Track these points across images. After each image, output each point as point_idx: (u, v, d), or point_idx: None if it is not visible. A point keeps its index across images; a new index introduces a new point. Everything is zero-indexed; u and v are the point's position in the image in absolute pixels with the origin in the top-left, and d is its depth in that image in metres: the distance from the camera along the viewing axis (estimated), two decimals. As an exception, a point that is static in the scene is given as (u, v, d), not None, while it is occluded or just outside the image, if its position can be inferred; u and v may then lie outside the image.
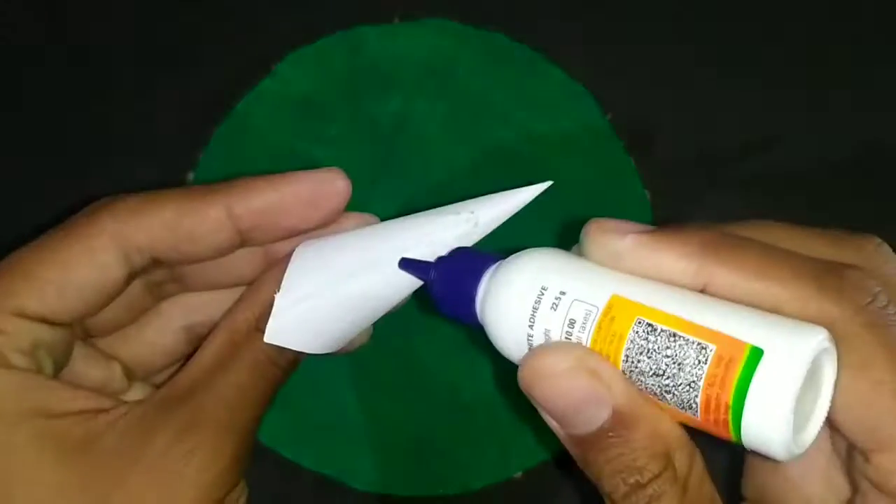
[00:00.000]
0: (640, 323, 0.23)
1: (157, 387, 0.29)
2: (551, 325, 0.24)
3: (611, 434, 0.23)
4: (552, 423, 0.25)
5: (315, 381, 0.40)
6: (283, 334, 0.27)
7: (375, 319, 0.29)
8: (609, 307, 0.23)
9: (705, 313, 0.23)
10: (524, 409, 0.40)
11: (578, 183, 0.42)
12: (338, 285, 0.27)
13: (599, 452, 0.24)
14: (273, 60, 0.43)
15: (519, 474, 0.40)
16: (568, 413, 0.24)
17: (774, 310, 0.23)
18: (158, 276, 0.30)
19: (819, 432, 0.23)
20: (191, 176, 0.42)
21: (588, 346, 0.23)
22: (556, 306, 0.24)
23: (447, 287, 0.27)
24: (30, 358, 0.26)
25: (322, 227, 0.28)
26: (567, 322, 0.24)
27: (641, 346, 0.23)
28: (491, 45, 0.43)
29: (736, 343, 0.22)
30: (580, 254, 0.26)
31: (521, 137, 0.42)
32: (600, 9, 0.44)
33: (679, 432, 0.24)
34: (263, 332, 0.27)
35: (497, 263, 0.26)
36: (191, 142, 0.42)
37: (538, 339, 0.24)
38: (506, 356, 0.26)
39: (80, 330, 0.29)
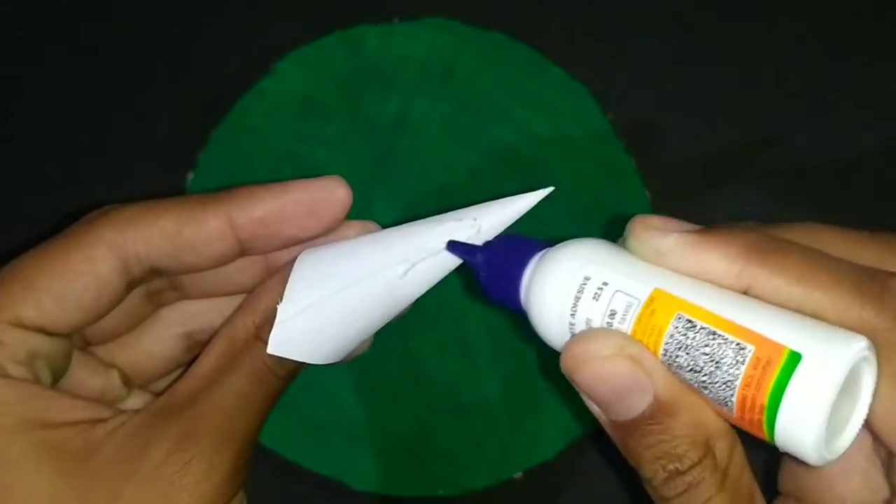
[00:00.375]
0: (679, 318, 0.23)
1: (157, 395, 0.29)
2: (593, 315, 0.24)
3: (651, 421, 0.24)
4: (594, 409, 0.25)
5: (315, 381, 0.40)
6: (286, 345, 0.27)
7: (378, 328, 0.29)
8: (651, 300, 0.24)
9: (746, 314, 0.23)
10: (523, 409, 0.40)
11: (578, 183, 0.42)
12: (340, 294, 0.27)
13: (640, 438, 0.24)
14: (273, 60, 0.43)
15: (518, 474, 0.40)
16: (610, 399, 0.24)
17: (815, 315, 0.23)
18: (157, 284, 0.29)
19: (855, 438, 0.23)
20: (191, 176, 0.42)
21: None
22: (599, 296, 0.24)
23: (493, 272, 0.27)
24: (27, 368, 0.26)
25: (323, 235, 0.28)
26: (608, 312, 0.24)
27: (680, 341, 0.23)
28: (491, 45, 0.43)
29: (775, 346, 0.22)
30: (625, 248, 0.26)
31: (521, 137, 0.42)
32: (600, 9, 0.44)
33: (720, 422, 0.24)
34: (264, 340, 0.26)
35: (544, 251, 0.26)
36: (191, 142, 0.42)
37: (580, 328, 0.25)
38: (548, 343, 0.26)
39: (78, 338, 0.29)
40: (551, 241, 0.26)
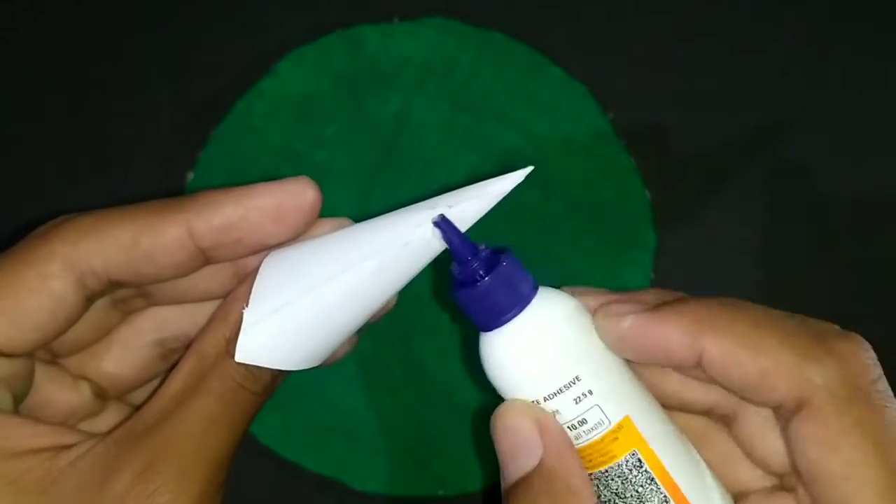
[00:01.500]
0: (633, 454, 0.26)
1: (137, 407, 0.28)
2: (565, 412, 0.26)
3: (533, 484, 0.25)
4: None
5: (315, 381, 0.40)
6: (255, 352, 0.25)
7: (357, 327, 0.27)
8: (619, 427, 0.26)
9: (688, 478, 0.26)
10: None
11: (578, 183, 0.42)
12: (310, 294, 0.25)
13: (516, 500, 0.26)
14: (273, 60, 0.43)
15: (519, 474, 0.40)
16: (506, 452, 0.27)
17: (762, 376, 0.24)
18: (123, 292, 0.28)
19: None
20: (191, 175, 0.42)
21: (582, 445, 0.26)
22: (580, 402, 0.26)
23: (485, 294, 0.26)
24: None
25: (292, 239, 0.26)
26: (580, 420, 0.26)
27: (623, 472, 0.26)
28: (491, 45, 0.43)
29: None
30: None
31: (521, 137, 0.42)
32: (600, 9, 0.44)
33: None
34: (233, 355, 0.25)
35: (536, 300, 0.27)
36: (191, 142, 0.42)
37: (542, 405, 0.26)
38: (492, 379, 0.27)
39: (45, 352, 0.27)
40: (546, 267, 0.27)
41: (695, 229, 0.43)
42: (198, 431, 0.24)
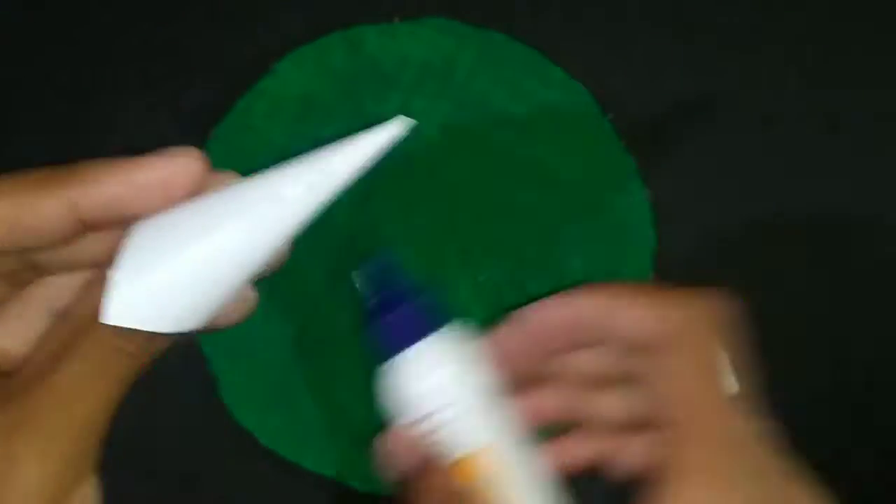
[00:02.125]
0: (477, 480, 0.31)
1: None
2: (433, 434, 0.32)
3: None
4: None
5: (315, 381, 0.40)
6: (124, 314, 0.24)
7: (239, 285, 0.26)
8: (473, 457, 0.31)
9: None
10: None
11: (578, 183, 0.42)
12: (180, 252, 0.24)
13: None
14: (273, 60, 0.43)
15: (519, 474, 0.40)
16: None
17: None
18: (9, 264, 0.26)
19: None
20: (191, 176, 0.42)
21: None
22: (440, 429, 0.32)
23: (390, 329, 0.32)
24: None
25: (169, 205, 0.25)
26: (435, 443, 0.32)
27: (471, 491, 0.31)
28: (491, 45, 0.43)
29: None
30: None
31: (520, 137, 0.42)
32: (600, 9, 0.44)
33: None
34: None
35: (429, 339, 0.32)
36: (191, 141, 0.42)
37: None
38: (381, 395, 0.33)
39: None
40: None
41: (695, 229, 0.43)
42: (65, 391, 0.24)
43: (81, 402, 0.24)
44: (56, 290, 0.28)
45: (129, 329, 0.24)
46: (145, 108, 0.43)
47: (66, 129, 0.43)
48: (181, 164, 0.25)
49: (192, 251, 0.24)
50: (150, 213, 0.25)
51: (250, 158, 0.42)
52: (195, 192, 0.25)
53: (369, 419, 0.41)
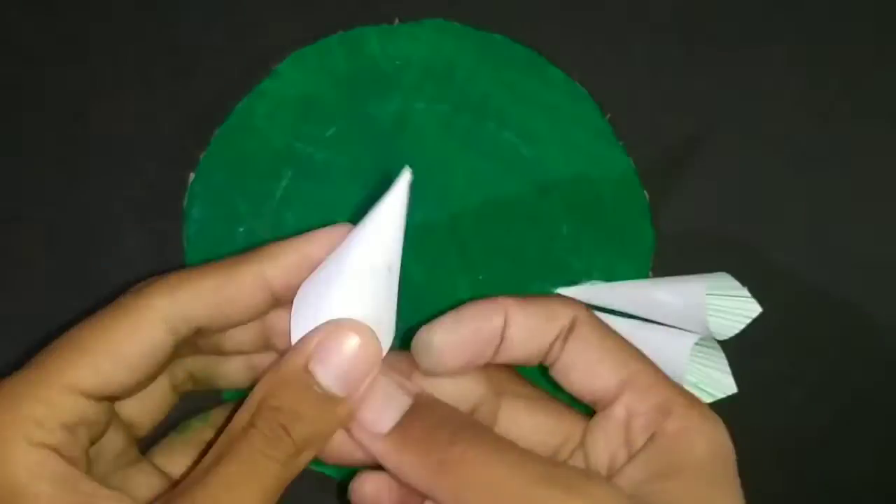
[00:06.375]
0: None
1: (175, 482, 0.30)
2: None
3: None
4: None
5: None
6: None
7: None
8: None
9: None
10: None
11: (577, 183, 0.42)
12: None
13: None
14: (273, 60, 0.43)
15: (518, 474, 0.41)
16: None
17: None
18: (205, 348, 0.32)
19: None
20: (192, 176, 0.42)
21: None
22: None
23: None
24: (70, 434, 0.26)
25: None
26: None
27: None
28: (491, 45, 0.43)
29: None
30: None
31: (520, 138, 0.42)
32: (600, 9, 0.44)
33: None
34: (257, 427, 0.27)
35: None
36: (191, 142, 0.42)
37: None
38: None
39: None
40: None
41: (694, 229, 0.43)
42: (217, 496, 0.25)
43: (231, 503, 0.26)
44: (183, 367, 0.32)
45: (275, 440, 0.27)
46: (145, 108, 0.43)
47: (66, 129, 0.43)
48: (338, 234, 0.30)
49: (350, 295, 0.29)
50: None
51: (251, 159, 0.42)
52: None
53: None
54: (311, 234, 0.30)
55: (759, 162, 0.43)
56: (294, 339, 0.29)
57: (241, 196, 0.42)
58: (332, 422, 0.28)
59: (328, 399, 0.28)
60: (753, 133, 0.44)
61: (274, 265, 0.29)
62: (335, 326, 0.29)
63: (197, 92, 0.43)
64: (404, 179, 0.29)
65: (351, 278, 0.29)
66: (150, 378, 0.29)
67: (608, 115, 0.43)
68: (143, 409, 0.31)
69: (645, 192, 0.42)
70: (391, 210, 0.30)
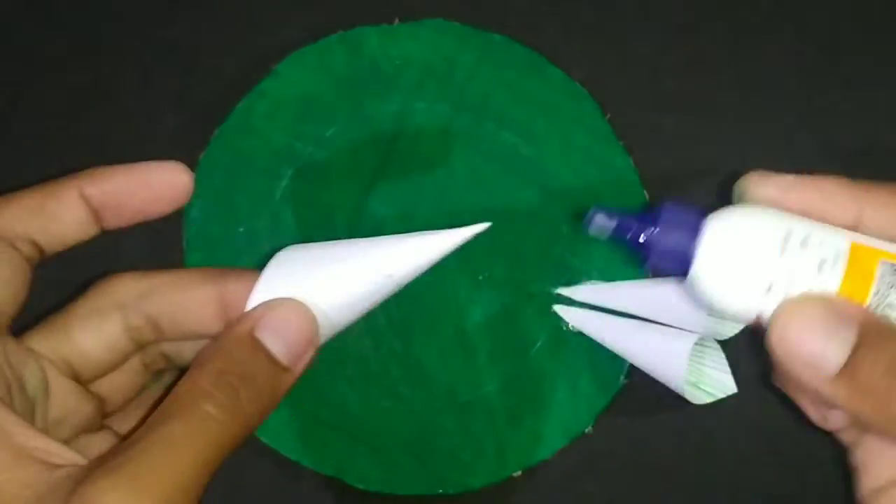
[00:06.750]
0: (884, 264, 0.26)
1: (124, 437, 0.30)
2: (800, 266, 0.26)
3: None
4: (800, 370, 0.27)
5: (315, 381, 0.40)
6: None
7: (329, 336, 0.30)
8: (854, 250, 0.26)
9: None
10: (522, 408, 0.41)
11: (578, 183, 0.42)
12: (310, 275, 0.29)
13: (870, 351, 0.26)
14: (273, 60, 0.43)
15: (518, 473, 0.41)
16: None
17: None
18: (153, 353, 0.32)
19: None
20: (191, 176, 0.42)
21: (838, 285, 0.26)
22: (807, 244, 0.26)
23: (668, 234, 0.28)
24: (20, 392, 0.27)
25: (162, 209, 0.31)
26: (820, 261, 0.26)
27: (890, 281, 0.26)
28: (491, 45, 0.43)
29: None
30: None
31: (520, 138, 0.42)
32: (600, 9, 0.44)
33: None
34: (205, 390, 0.27)
35: (713, 217, 0.28)
36: (192, 142, 0.42)
37: (779, 283, 0.26)
38: (724, 308, 0.28)
39: (67, 368, 0.30)
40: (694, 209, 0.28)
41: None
42: (158, 454, 0.25)
43: (173, 461, 0.25)
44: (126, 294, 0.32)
45: (223, 401, 0.26)
46: (146, 108, 0.43)
47: (66, 129, 0.43)
48: (169, 168, 0.31)
49: (318, 278, 0.29)
50: (144, 210, 0.31)
51: (251, 159, 0.42)
52: (182, 199, 0.31)
53: (369, 418, 0.41)
54: (138, 165, 0.31)
55: (759, 162, 0.43)
56: (250, 306, 0.29)
57: (241, 196, 0.42)
58: (277, 390, 0.28)
59: (275, 365, 0.28)
60: (753, 132, 0.44)
61: (91, 184, 0.30)
62: (278, 302, 0.29)
63: (197, 92, 0.43)
64: (476, 228, 0.30)
65: (349, 273, 0.29)
66: (112, 365, 0.30)
67: (608, 115, 0.43)
68: (113, 387, 0.31)
69: (645, 191, 0.42)
70: (440, 242, 0.30)
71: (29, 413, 0.28)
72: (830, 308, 0.26)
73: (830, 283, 0.26)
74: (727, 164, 0.43)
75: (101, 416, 0.31)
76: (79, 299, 0.31)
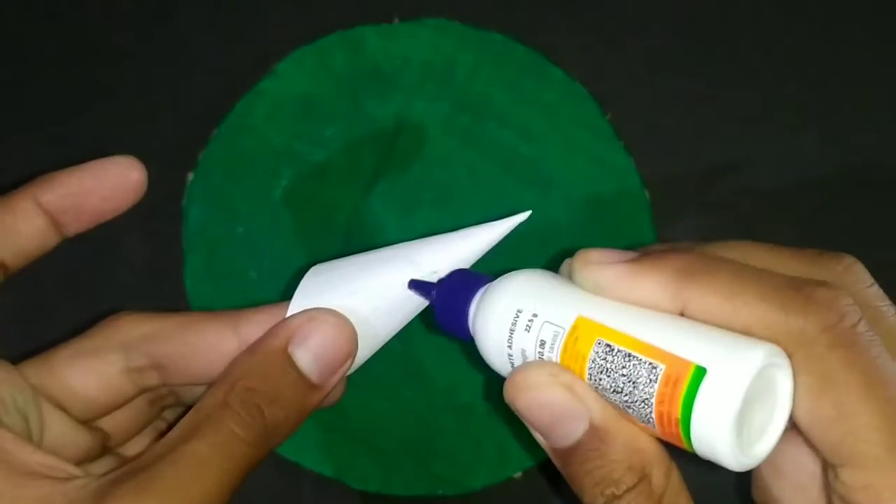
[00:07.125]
0: (599, 343, 0.25)
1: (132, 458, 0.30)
2: (526, 346, 0.26)
3: (588, 447, 0.25)
4: (538, 437, 0.26)
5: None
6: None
7: (376, 340, 0.30)
8: (574, 328, 0.25)
9: (659, 334, 0.24)
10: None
11: (578, 183, 0.42)
12: (347, 290, 0.29)
13: (579, 465, 0.25)
14: (273, 60, 0.43)
15: (518, 474, 0.41)
16: (549, 425, 0.25)
17: (745, 331, 0.23)
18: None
19: (776, 442, 0.24)
20: (191, 176, 0.42)
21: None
22: (530, 328, 0.26)
23: (446, 307, 0.28)
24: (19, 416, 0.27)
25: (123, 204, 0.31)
26: (539, 343, 0.25)
27: (601, 365, 0.24)
28: (491, 45, 0.43)
29: (682, 362, 0.23)
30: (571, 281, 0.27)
31: (520, 137, 0.42)
32: (600, 9, 0.44)
33: (655, 447, 0.25)
34: (231, 406, 0.26)
35: (487, 286, 0.28)
36: (191, 142, 0.42)
37: (517, 358, 0.26)
38: (495, 371, 0.28)
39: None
40: (497, 273, 0.28)
41: (694, 229, 0.43)
42: (185, 472, 0.25)
43: (200, 481, 0.25)
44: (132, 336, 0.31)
45: (249, 421, 0.26)
46: (145, 108, 0.43)
47: (66, 129, 0.43)
48: (123, 164, 0.31)
49: (360, 281, 0.29)
50: (101, 208, 0.31)
51: (250, 159, 0.42)
52: (135, 196, 0.31)
53: (369, 419, 0.41)
54: (90, 164, 0.31)
55: (759, 162, 0.43)
56: (290, 313, 0.29)
57: (241, 196, 0.42)
58: (305, 408, 0.28)
59: (305, 383, 0.28)
60: (753, 132, 0.44)
61: (47, 190, 0.29)
62: (317, 313, 0.28)
63: (197, 92, 0.43)
64: (519, 217, 0.29)
65: (392, 274, 0.29)
66: (110, 405, 0.29)
67: (608, 115, 0.43)
68: (116, 423, 0.31)
69: (645, 191, 0.42)
70: (486, 236, 0.29)
71: (26, 434, 0.27)
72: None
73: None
74: (727, 164, 0.43)
75: (103, 449, 0.31)
76: (80, 337, 0.29)
